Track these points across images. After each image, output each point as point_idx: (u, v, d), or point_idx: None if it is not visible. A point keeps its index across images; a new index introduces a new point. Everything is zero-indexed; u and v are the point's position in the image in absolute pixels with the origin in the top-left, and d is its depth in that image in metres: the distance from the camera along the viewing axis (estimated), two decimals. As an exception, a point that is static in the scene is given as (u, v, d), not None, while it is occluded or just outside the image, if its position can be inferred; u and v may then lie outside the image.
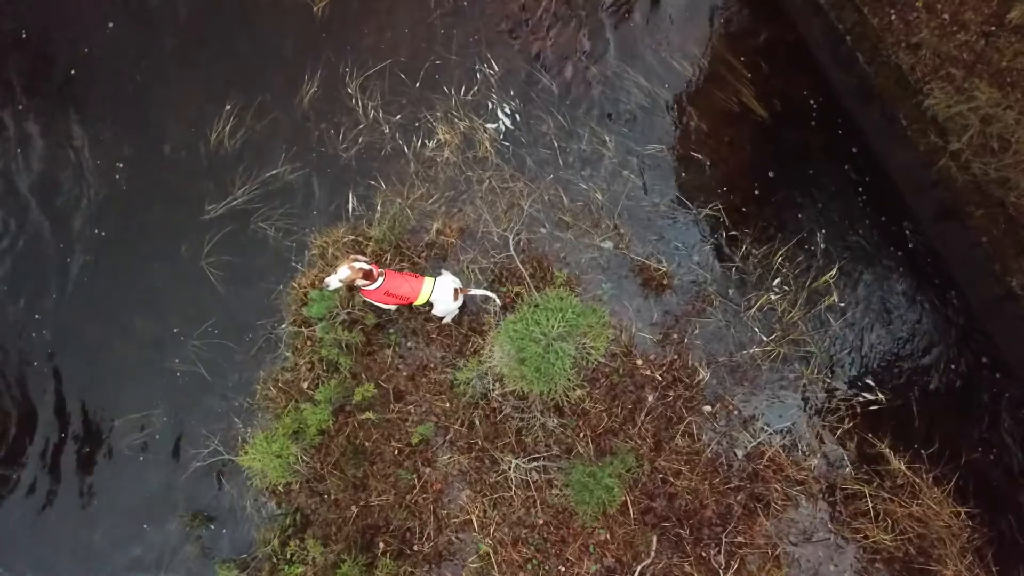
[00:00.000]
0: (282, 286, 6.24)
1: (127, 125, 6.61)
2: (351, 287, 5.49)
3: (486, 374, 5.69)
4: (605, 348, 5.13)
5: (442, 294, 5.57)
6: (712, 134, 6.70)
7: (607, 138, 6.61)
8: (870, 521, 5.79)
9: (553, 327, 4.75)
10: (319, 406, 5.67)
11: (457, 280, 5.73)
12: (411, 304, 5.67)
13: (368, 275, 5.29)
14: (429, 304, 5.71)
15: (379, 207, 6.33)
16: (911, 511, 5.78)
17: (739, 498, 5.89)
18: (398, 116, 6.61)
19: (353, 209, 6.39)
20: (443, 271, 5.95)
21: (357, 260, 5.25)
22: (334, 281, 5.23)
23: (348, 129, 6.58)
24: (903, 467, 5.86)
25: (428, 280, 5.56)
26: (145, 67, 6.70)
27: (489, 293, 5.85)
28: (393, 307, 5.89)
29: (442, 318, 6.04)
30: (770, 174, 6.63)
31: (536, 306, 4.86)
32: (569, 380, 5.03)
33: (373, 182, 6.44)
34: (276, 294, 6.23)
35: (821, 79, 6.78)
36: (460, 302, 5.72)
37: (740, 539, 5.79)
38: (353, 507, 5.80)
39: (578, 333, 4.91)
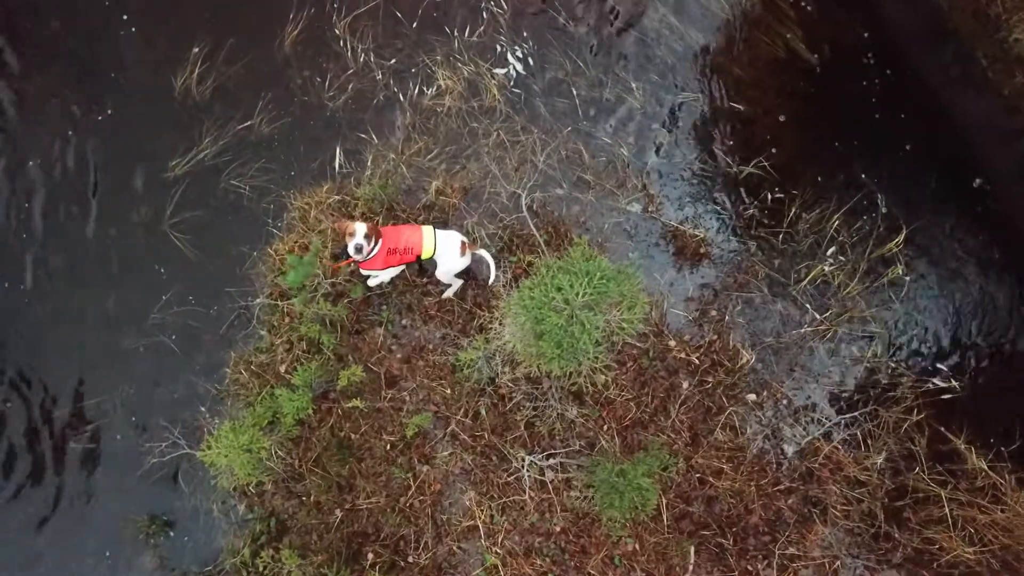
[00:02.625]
0: (257, 253, 5.40)
1: (80, 71, 5.76)
2: (336, 256, 4.90)
3: (494, 355, 4.88)
4: (639, 323, 4.26)
5: (448, 248, 4.82)
6: (754, 82, 5.89)
7: (634, 85, 5.80)
8: (946, 529, 4.95)
9: (578, 294, 3.89)
10: (297, 392, 4.84)
11: (463, 236, 4.93)
12: (419, 259, 4.88)
13: (379, 235, 4.68)
14: (434, 263, 4.90)
15: (370, 163, 5.54)
16: (994, 518, 4.94)
17: (790, 502, 5.07)
18: (392, 60, 5.80)
19: (340, 166, 5.59)
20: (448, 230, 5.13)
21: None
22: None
23: (335, 75, 5.77)
24: (984, 466, 5.01)
25: (427, 228, 4.81)
26: (99, 4, 5.82)
27: (490, 260, 5.00)
28: (396, 271, 5.07)
29: (443, 291, 5.19)
30: (821, 128, 5.83)
31: (558, 268, 3.99)
32: (595, 359, 4.18)
33: (363, 135, 5.64)
34: (250, 262, 5.39)
35: (877, 19, 5.96)
36: (468, 260, 4.92)
37: (792, 550, 4.96)
38: (337, 511, 5.00)
39: (608, 302, 4.05)
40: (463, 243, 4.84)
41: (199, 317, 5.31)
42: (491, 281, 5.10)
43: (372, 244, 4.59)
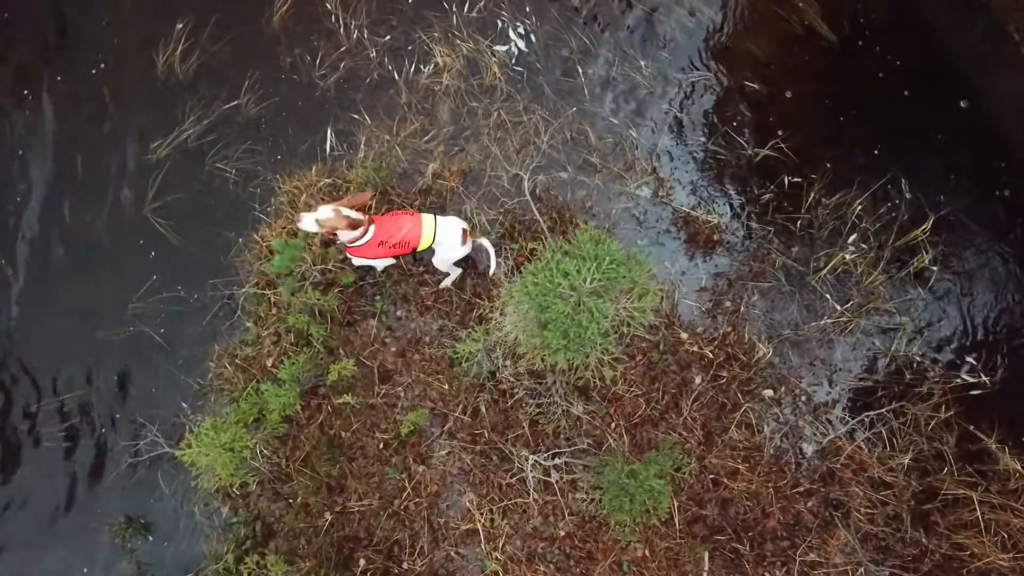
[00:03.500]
0: (243, 240, 5.10)
1: (55, 49, 5.46)
2: (329, 241, 4.50)
3: (495, 347, 4.56)
4: (650, 313, 3.94)
5: (448, 235, 4.45)
6: (770, 60, 5.56)
7: (642, 64, 5.48)
8: (977, 534, 4.62)
9: (586, 280, 3.57)
10: (284, 387, 4.54)
11: (464, 223, 4.59)
12: (414, 251, 4.53)
13: (355, 225, 4.20)
14: (431, 250, 4.58)
15: (363, 145, 5.23)
16: (1029, 522, 4.61)
17: (810, 504, 4.75)
18: (387, 37, 5.49)
19: (331, 148, 5.27)
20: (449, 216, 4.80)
21: (345, 208, 4.16)
22: (309, 221, 4.11)
23: (327, 53, 5.46)
24: (1018, 467, 4.69)
25: (428, 216, 4.44)
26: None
27: (491, 249, 4.68)
28: (389, 262, 4.76)
29: (440, 280, 4.87)
30: (841, 108, 5.50)
31: (564, 253, 3.68)
32: (604, 351, 3.86)
33: (356, 116, 5.32)
34: (235, 249, 5.09)
35: (902, -7, 5.62)
36: (468, 248, 4.58)
37: (813, 556, 4.64)
38: (327, 514, 4.68)
39: (617, 289, 3.74)
40: (464, 231, 4.50)
41: (181, 306, 5.01)
42: (492, 271, 4.78)
43: (357, 231, 4.23)
